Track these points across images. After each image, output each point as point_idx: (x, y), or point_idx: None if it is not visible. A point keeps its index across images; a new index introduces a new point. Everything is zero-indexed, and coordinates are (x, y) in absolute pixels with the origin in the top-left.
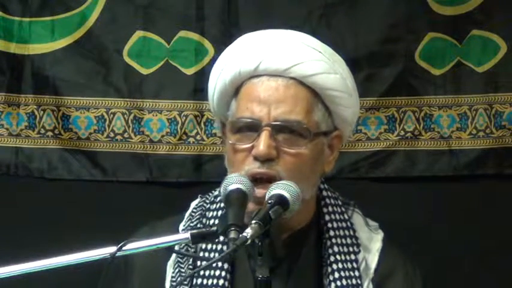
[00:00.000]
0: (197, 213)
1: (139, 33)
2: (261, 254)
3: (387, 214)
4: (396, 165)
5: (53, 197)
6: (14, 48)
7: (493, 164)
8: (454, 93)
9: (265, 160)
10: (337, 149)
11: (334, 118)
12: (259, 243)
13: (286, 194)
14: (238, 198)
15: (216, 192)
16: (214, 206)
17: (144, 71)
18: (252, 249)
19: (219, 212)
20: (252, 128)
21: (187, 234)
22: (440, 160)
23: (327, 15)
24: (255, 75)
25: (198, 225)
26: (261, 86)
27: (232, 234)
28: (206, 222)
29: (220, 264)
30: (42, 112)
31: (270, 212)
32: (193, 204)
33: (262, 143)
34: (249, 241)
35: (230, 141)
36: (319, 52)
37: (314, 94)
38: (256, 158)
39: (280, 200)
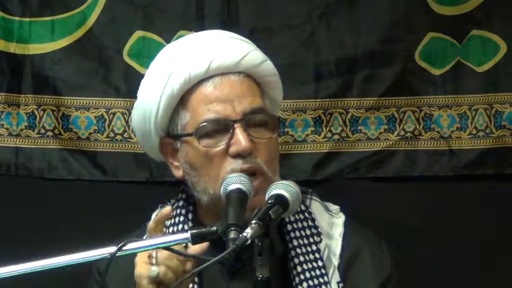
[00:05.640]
0: None
1: (139, 33)
2: (261, 254)
3: (387, 214)
4: (396, 165)
5: (53, 197)
6: (14, 48)
7: (493, 164)
8: (454, 93)
9: (246, 155)
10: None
11: (272, 103)
12: (259, 243)
13: (286, 194)
14: (238, 198)
15: (173, 201)
16: (171, 213)
17: (144, 71)
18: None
19: (176, 219)
20: (221, 127)
21: (187, 234)
22: (440, 160)
23: (327, 15)
24: (205, 77)
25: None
26: (216, 87)
27: (232, 234)
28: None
29: None
30: (42, 112)
31: (270, 212)
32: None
33: (243, 139)
34: (249, 241)
35: (202, 147)
36: (248, 43)
37: (257, 83)
38: (236, 156)
39: (280, 200)
